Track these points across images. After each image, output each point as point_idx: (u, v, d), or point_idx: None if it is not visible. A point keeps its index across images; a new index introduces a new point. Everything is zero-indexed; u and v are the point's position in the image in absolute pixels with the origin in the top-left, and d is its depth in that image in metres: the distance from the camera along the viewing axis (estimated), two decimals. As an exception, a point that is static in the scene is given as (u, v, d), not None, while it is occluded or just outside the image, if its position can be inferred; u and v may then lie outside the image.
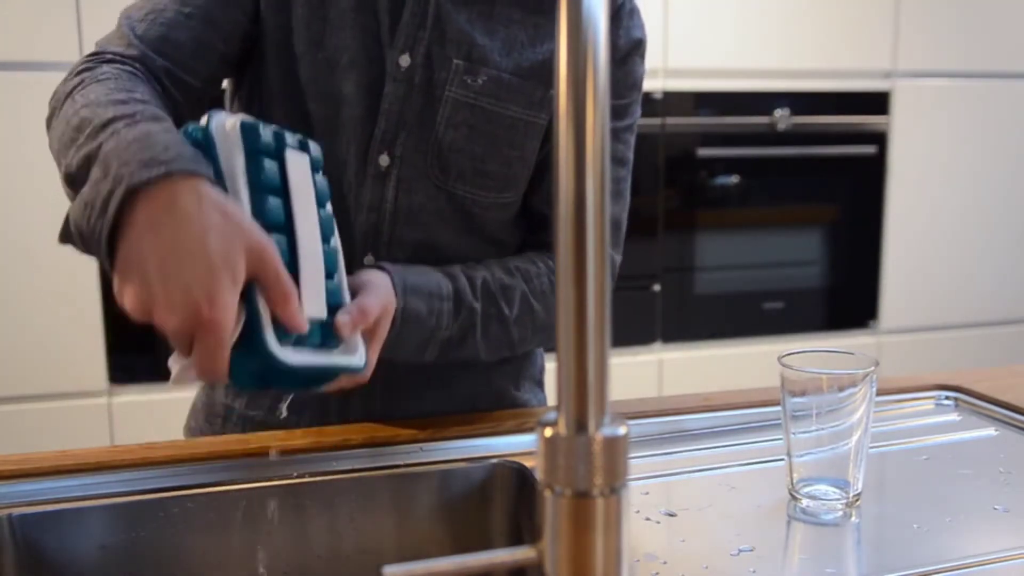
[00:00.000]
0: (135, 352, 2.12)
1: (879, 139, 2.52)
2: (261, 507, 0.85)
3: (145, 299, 0.64)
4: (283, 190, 0.71)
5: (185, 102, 0.91)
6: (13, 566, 0.79)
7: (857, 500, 0.82)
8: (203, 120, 0.70)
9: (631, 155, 1.04)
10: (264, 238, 0.67)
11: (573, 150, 0.41)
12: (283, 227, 0.71)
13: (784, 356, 0.82)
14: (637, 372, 2.44)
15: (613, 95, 0.99)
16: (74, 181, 0.72)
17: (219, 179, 0.68)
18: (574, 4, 0.41)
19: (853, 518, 0.80)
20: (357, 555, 0.87)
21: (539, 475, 0.43)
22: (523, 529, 0.88)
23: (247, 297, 0.66)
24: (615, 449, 0.42)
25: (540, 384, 1.13)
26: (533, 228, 1.04)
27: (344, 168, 0.95)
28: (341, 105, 0.93)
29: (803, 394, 0.81)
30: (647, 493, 0.85)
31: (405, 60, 0.92)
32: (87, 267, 2.04)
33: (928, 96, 2.55)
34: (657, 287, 2.42)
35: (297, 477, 0.86)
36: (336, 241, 0.81)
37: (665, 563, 0.72)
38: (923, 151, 2.57)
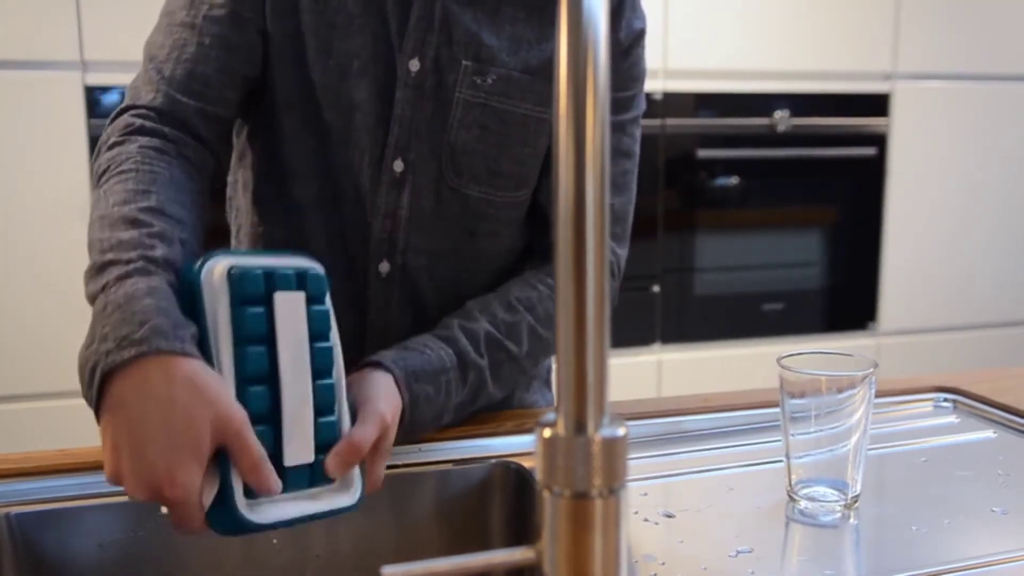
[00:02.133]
0: (134, 351, 2.12)
1: (879, 141, 2.52)
2: (260, 507, 0.85)
3: (115, 471, 0.67)
4: (269, 336, 0.71)
5: (218, 136, 0.93)
6: (12, 565, 0.79)
7: (856, 502, 0.82)
8: (197, 264, 0.70)
9: (637, 148, 1.04)
10: (232, 409, 0.67)
11: (573, 150, 0.41)
12: (266, 377, 0.71)
13: (783, 357, 0.82)
14: (636, 373, 2.44)
15: (617, 88, 0.99)
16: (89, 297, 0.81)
17: (203, 331, 0.68)
18: (574, 4, 0.41)
19: (852, 520, 0.80)
20: (356, 555, 0.87)
21: (538, 476, 0.43)
22: (522, 530, 0.88)
23: (219, 461, 0.67)
24: (614, 450, 0.42)
25: (548, 384, 1.13)
26: (538, 229, 1.04)
27: (359, 175, 0.95)
28: (353, 112, 0.93)
29: (802, 396, 0.81)
30: (646, 494, 0.85)
31: (415, 65, 0.93)
32: (86, 266, 2.04)
33: (928, 98, 2.55)
34: (656, 288, 2.42)
35: (296, 477, 0.85)
36: (337, 372, 0.77)
37: (664, 564, 0.72)
38: (923, 153, 2.57)
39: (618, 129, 1.01)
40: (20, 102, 1.97)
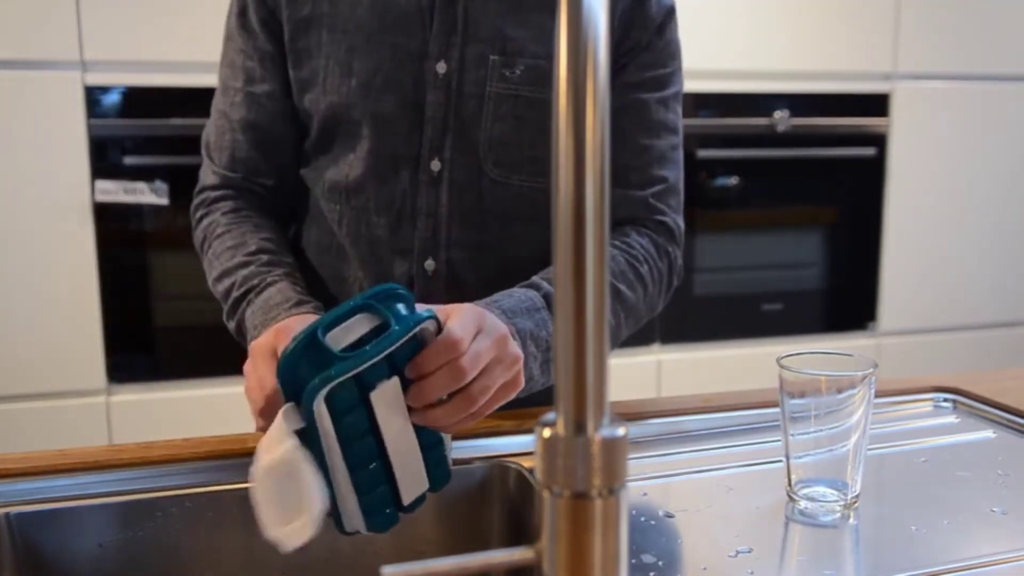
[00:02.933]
0: (133, 351, 2.12)
1: (879, 141, 2.52)
2: (259, 507, 0.85)
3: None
4: (372, 423, 0.73)
5: (276, 186, 1.06)
6: (11, 565, 0.79)
7: (855, 502, 0.82)
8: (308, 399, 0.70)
9: (680, 123, 1.06)
10: None
11: (572, 150, 0.41)
12: (376, 456, 0.74)
13: (783, 358, 0.82)
14: (636, 373, 2.43)
15: (657, 66, 1.02)
16: (237, 332, 0.98)
17: (315, 440, 0.71)
18: (574, 4, 0.41)
19: (851, 520, 0.80)
20: (355, 555, 0.87)
21: (538, 476, 0.43)
22: (521, 530, 0.88)
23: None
24: (614, 450, 0.42)
25: None
26: None
27: (397, 180, 0.98)
28: (384, 123, 0.97)
29: (802, 396, 0.81)
30: (646, 494, 0.85)
31: (441, 67, 0.96)
32: (86, 266, 2.04)
33: (928, 98, 2.55)
34: (656, 288, 2.42)
35: (295, 477, 0.85)
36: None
37: (663, 564, 0.72)
38: (923, 153, 2.57)
39: (662, 105, 1.02)
40: (20, 102, 1.97)
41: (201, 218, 1.05)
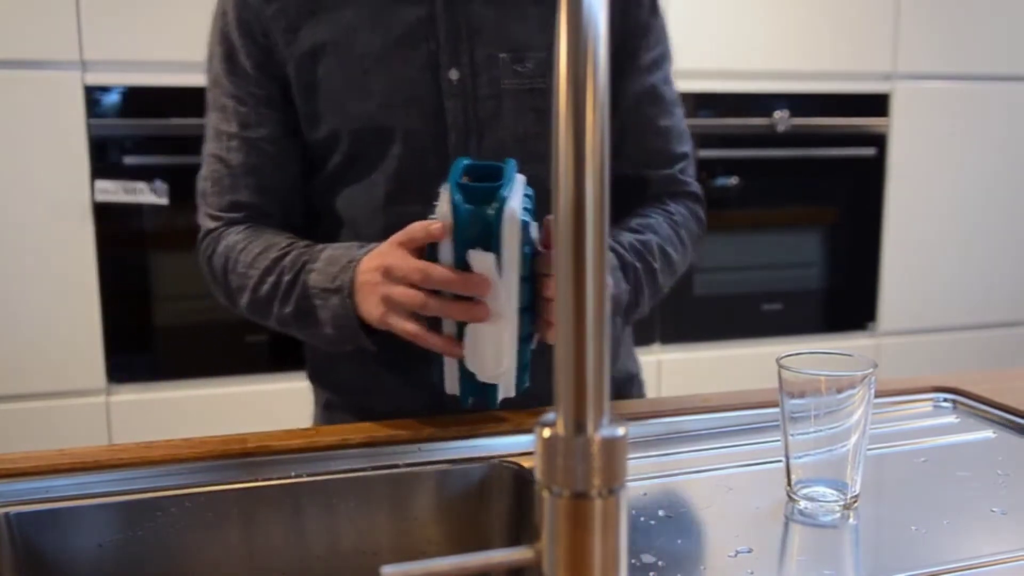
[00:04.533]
0: (133, 351, 2.12)
1: (878, 141, 2.52)
2: (259, 507, 0.85)
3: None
4: (530, 273, 0.85)
5: (287, 224, 1.05)
6: (11, 564, 0.79)
7: (855, 502, 0.82)
8: (494, 205, 0.82)
9: (677, 92, 1.13)
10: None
11: (573, 150, 0.41)
12: (526, 307, 0.85)
13: (782, 358, 0.82)
14: (636, 373, 2.43)
15: (659, 45, 1.07)
16: (298, 314, 0.97)
17: (489, 247, 0.82)
18: (574, 4, 0.41)
19: (851, 520, 0.80)
20: (355, 555, 0.87)
21: (537, 476, 0.43)
22: (521, 530, 0.88)
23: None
24: (614, 450, 0.42)
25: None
26: (627, 191, 1.09)
27: (428, 191, 0.98)
28: (409, 138, 0.99)
29: (801, 396, 0.81)
30: (645, 494, 0.85)
31: (454, 74, 0.97)
32: (86, 266, 2.04)
33: (928, 98, 2.55)
34: (656, 288, 2.42)
35: (295, 477, 0.86)
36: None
37: (663, 564, 0.72)
38: (922, 153, 2.57)
39: (668, 84, 1.09)
40: (20, 102, 1.97)
41: (215, 248, 1.03)
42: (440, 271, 0.83)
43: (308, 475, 0.86)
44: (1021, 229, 2.72)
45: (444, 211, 0.83)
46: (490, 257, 0.81)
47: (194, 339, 2.15)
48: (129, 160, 2.05)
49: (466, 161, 0.85)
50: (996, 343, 2.75)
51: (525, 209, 0.84)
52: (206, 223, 1.05)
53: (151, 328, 2.12)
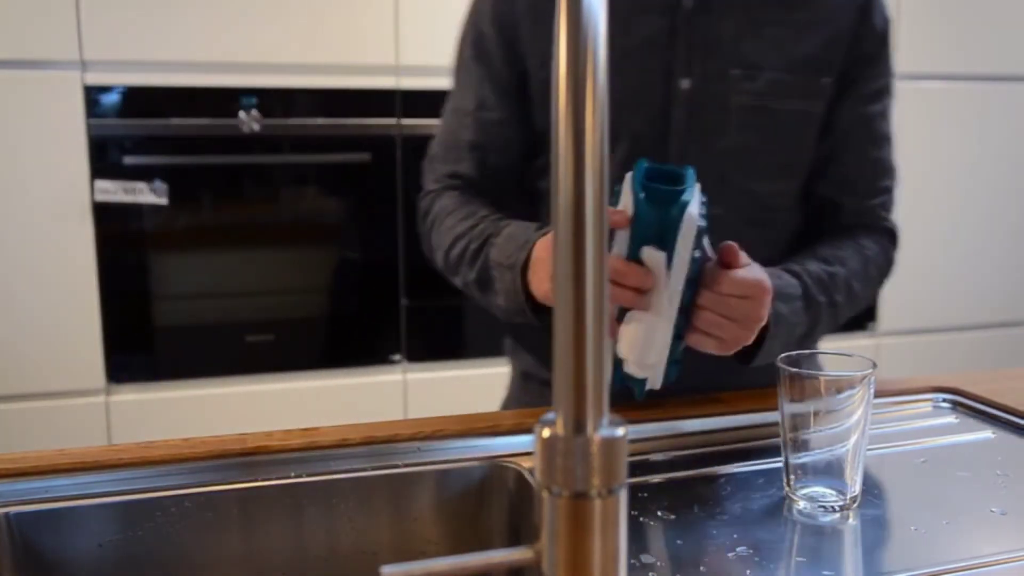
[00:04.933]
0: (133, 351, 2.12)
1: (878, 141, 2.51)
2: (258, 507, 0.85)
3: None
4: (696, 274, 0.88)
5: (500, 206, 1.09)
6: (11, 564, 0.79)
7: (855, 502, 0.82)
8: (677, 207, 0.84)
9: (892, 127, 1.17)
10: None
11: (572, 150, 0.41)
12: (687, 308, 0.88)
13: (783, 357, 0.82)
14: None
15: (880, 77, 1.12)
16: (479, 281, 1.03)
17: (662, 245, 0.85)
18: (574, 4, 0.41)
19: (851, 520, 0.80)
20: (355, 555, 0.87)
21: (537, 476, 0.43)
22: (521, 530, 0.88)
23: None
24: (613, 450, 0.42)
25: None
26: (821, 214, 1.12)
27: None
28: (634, 139, 1.03)
29: (801, 396, 0.81)
30: (645, 494, 0.85)
31: (685, 83, 1.01)
32: (85, 266, 2.04)
33: (927, 98, 2.54)
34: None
35: (295, 477, 0.86)
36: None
37: (662, 564, 0.72)
38: (922, 153, 2.57)
39: (884, 117, 1.13)
40: (19, 102, 1.97)
41: (429, 208, 1.12)
42: (611, 259, 0.85)
43: (308, 475, 0.86)
44: (1021, 229, 2.72)
45: (625, 203, 0.86)
46: (662, 256, 0.84)
47: (193, 339, 2.15)
48: (129, 160, 2.05)
49: (646, 164, 0.87)
50: (996, 343, 2.75)
51: (701, 215, 0.86)
52: (428, 185, 1.13)
53: (151, 328, 2.12)
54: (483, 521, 0.90)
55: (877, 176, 1.13)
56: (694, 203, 0.85)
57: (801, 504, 0.82)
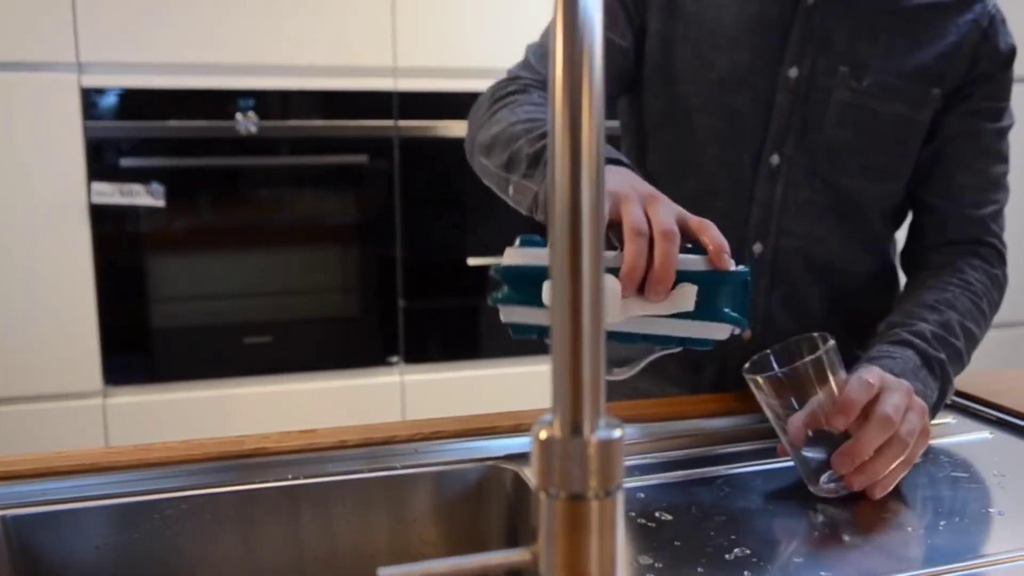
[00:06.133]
0: (130, 353, 2.12)
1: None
2: (256, 509, 0.85)
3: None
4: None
5: None
6: (8, 567, 0.79)
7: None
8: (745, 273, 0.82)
9: (1010, 155, 1.12)
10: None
11: (569, 151, 0.41)
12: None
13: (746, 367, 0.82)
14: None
15: (997, 98, 1.09)
16: (532, 156, 0.95)
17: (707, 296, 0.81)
18: (571, 4, 0.41)
19: (851, 520, 0.80)
20: (352, 557, 0.87)
21: (534, 477, 0.43)
22: (518, 531, 0.88)
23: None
24: (610, 452, 0.42)
25: None
26: (925, 225, 1.12)
27: (738, 169, 1.06)
28: (733, 117, 1.05)
29: (785, 392, 0.81)
30: (642, 496, 0.85)
31: (793, 72, 1.03)
32: (82, 268, 2.04)
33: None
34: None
35: (292, 479, 0.85)
36: None
37: (660, 566, 0.72)
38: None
39: (998, 135, 1.10)
40: (16, 104, 1.97)
41: (507, 87, 1.07)
42: (675, 251, 0.80)
43: (305, 477, 0.86)
44: (1021, 229, 2.72)
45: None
46: (693, 291, 0.81)
47: (191, 341, 2.15)
48: (125, 162, 2.05)
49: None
50: (994, 343, 2.74)
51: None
52: (520, 71, 1.10)
53: (148, 330, 2.12)
54: (481, 523, 0.90)
55: (985, 189, 1.10)
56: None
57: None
